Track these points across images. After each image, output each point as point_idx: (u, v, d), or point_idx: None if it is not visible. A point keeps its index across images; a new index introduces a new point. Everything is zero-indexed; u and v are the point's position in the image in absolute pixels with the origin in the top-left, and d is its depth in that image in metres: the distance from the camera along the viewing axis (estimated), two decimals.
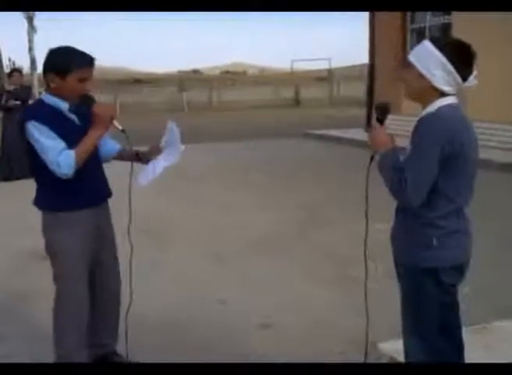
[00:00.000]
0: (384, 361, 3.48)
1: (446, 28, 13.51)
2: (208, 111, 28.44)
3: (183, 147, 3.29)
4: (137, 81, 39.40)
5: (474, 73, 2.54)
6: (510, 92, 11.30)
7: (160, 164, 3.28)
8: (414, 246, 2.60)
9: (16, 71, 11.25)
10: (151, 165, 3.31)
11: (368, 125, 15.09)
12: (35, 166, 3.16)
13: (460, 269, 2.64)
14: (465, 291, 2.94)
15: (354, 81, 32.33)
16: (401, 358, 2.88)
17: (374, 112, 2.74)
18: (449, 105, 2.53)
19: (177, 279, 5.25)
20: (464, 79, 2.53)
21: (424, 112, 2.57)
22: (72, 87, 3.06)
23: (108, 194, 3.44)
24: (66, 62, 3.03)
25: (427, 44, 2.56)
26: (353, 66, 39.69)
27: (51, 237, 3.22)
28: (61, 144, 3.02)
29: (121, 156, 3.50)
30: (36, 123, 3.01)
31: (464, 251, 2.64)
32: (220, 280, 5.24)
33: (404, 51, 14.51)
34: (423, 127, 2.49)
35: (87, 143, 3.06)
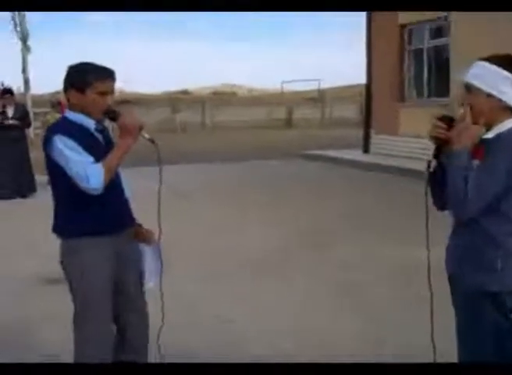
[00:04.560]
0: None
1: (444, 49, 13.51)
2: (201, 132, 28.33)
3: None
4: (126, 102, 39.15)
5: None
6: None
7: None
8: (476, 267, 2.45)
9: (7, 92, 11.05)
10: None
11: (367, 145, 14.76)
12: (58, 187, 3.03)
13: None
14: None
15: (346, 102, 32.42)
16: None
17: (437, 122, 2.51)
18: None
19: (173, 298, 5.11)
20: None
21: (492, 133, 2.44)
22: (93, 102, 2.93)
23: (131, 221, 3.26)
24: (84, 76, 2.93)
25: (483, 63, 2.44)
26: (346, 87, 39.83)
27: (70, 264, 3.05)
28: (88, 157, 2.87)
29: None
30: (63, 137, 2.88)
31: None
32: (217, 299, 5.18)
33: (401, 73, 14.46)
34: (498, 146, 2.37)
35: (115, 155, 2.90)
